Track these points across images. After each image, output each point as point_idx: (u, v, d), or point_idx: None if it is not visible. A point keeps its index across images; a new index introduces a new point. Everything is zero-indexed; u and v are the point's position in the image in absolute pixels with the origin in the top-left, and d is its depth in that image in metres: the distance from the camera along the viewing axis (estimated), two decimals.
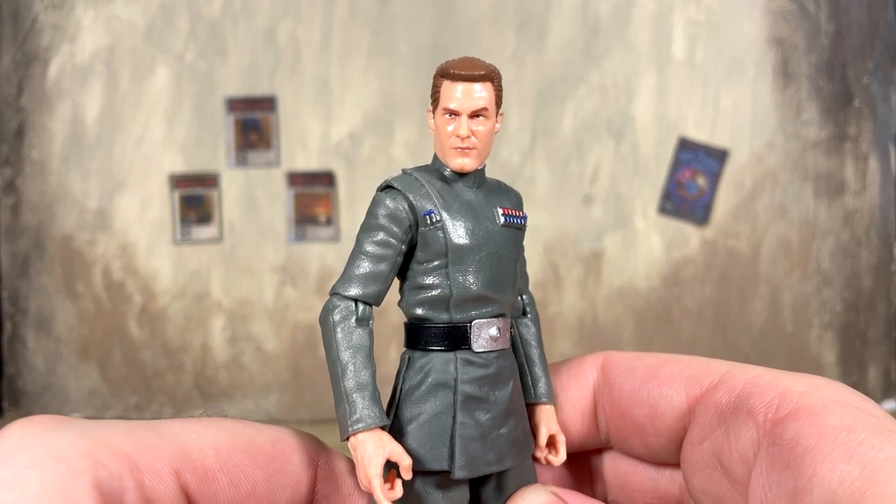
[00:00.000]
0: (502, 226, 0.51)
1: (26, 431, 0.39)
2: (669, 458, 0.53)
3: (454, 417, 0.48)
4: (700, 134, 1.84)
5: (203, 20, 1.86)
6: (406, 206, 0.49)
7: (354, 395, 0.46)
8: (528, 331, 0.55)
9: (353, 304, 0.48)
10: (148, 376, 1.89)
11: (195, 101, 1.87)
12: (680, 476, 0.54)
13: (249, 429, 0.47)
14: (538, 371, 0.53)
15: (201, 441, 0.44)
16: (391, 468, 0.46)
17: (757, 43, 1.83)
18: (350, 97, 1.86)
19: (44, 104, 1.88)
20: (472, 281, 0.49)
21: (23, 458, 0.37)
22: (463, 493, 0.49)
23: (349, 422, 0.46)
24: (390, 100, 1.85)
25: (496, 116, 0.51)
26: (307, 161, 1.87)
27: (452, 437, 0.47)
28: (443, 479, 0.49)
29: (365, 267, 0.48)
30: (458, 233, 0.49)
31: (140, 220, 1.88)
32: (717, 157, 1.83)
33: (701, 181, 1.83)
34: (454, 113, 0.50)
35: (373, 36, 1.86)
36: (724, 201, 1.84)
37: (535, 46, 1.84)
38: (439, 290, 0.49)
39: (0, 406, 1.88)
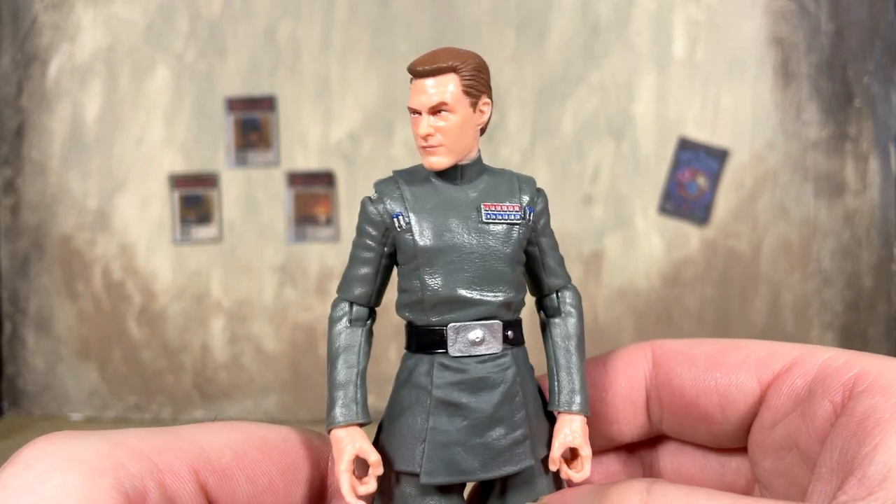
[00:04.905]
0: (483, 223, 0.48)
1: (49, 440, 0.40)
2: (734, 443, 0.53)
3: (427, 421, 0.47)
4: (700, 134, 1.83)
5: (203, 20, 1.86)
6: (382, 210, 0.49)
7: (335, 393, 0.48)
8: (558, 331, 0.52)
9: (348, 306, 0.50)
10: (148, 376, 1.88)
11: (195, 101, 1.87)
12: (744, 463, 0.53)
13: (260, 428, 0.48)
14: (563, 377, 0.50)
15: (217, 441, 0.45)
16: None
17: (757, 43, 1.82)
18: (350, 97, 1.86)
19: (43, 104, 1.88)
20: (442, 283, 0.48)
21: (45, 463, 0.38)
22: (452, 502, 0.48)
23: (328, 418, 0.47)
24: (390, 100, 1.85)
25: (476, 106, 0.48)
26: (307, 161, 1.87)
27: (424, 441, 0.47)
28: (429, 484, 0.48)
29: (354, 270, 0.50)
30: (426, 234, 0.48)
31: (140, 220, 1.88)
32: (717, 157, 1.83)
33: (701, 181, 1.83)
34: (416, 111, 0.48)
35: (373, 36, 1.85)
36: (725, 201, 1.84)
37: (535, 46, 1.84)
38: (416, 294, 0.48)
39: (0, 406, 1.88)
